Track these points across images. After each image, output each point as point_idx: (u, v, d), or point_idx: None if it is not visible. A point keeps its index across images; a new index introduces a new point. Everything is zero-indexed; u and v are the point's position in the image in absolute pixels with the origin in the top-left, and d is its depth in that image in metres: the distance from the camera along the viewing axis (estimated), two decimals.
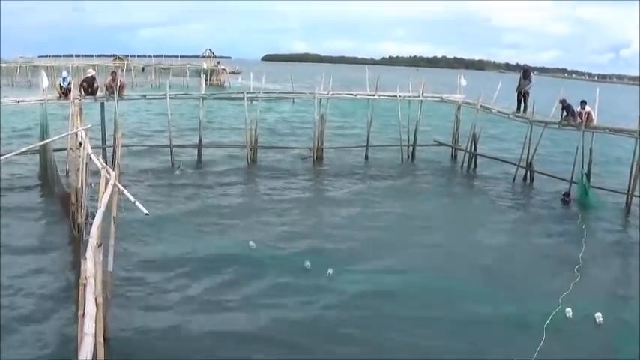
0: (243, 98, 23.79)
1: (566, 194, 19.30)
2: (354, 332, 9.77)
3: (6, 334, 8.83)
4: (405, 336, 9.65)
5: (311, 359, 8.93)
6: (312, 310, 10.57)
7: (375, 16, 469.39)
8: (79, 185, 12.51)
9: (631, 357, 9.25)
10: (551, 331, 9.58)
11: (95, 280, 5.33)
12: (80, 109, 17.00)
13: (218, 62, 76.78)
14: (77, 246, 11.63)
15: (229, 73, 73.38)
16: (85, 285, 5.05)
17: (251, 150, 23.56)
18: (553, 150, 26.90)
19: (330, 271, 12.07)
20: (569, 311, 10.39)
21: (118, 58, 78.57)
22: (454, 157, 25.95)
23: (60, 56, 75.41)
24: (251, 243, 13.55)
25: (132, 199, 8.02)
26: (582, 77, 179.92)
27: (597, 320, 10.25)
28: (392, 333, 9.75)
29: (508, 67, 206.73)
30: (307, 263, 12.45)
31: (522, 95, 22.89)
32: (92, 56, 76.31)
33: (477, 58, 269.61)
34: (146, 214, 7.84)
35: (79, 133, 13.70)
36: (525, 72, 23.53)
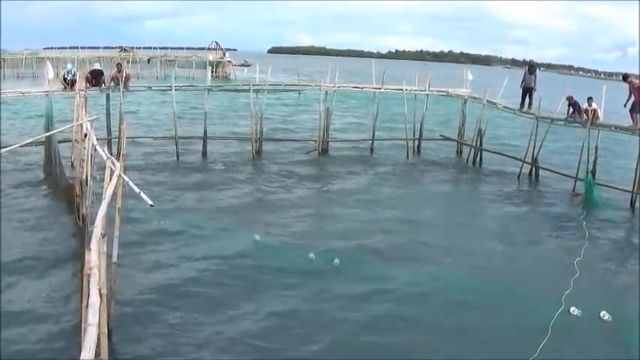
0: (249, 90, 23.76)
1: (576, 193, 19.19)
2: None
3: (9, 326, 8.79)
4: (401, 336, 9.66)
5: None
6: (319, 300, 10.60)
7: (380, 10, 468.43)
8: (84, 176, 12.50)
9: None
10: (556, 329, 9.52)
11: (99, 271, 5.32)
12: (85, 100, 16.97)
13: (224, 54, 75.86)
14: (81, 237, 11.66)
15: (238, 65, 72.57)
16: (89, 276, 5.03)
17: (256, 142, 23.53)
18: (558, 146, 26.74)
19: (337, 261, 12.14)
20: (574, 310, 10.34)
21: (124, 49, 78.00)
22: (459, 152, 25.90)
23: (65, 48, 75.00)
24: (256, 236, 13.56)
25: (137, 190, 7.99)
26: (589, 74, 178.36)
27: (605, 318, 10.20)
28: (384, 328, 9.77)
29: (514, 62, 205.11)
30: (311, 255, 12.47)
31: (528, 91, 22.82)
32: (98, 48, 75.81)
33: (483, 53, 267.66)
34: (151, 205, 7.81)
35: (84, 125, 13.68)
36: (531, 67, 23.37)
